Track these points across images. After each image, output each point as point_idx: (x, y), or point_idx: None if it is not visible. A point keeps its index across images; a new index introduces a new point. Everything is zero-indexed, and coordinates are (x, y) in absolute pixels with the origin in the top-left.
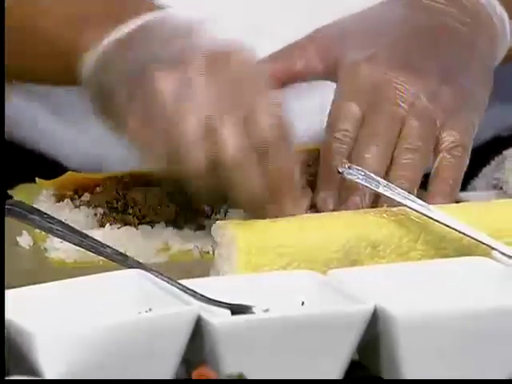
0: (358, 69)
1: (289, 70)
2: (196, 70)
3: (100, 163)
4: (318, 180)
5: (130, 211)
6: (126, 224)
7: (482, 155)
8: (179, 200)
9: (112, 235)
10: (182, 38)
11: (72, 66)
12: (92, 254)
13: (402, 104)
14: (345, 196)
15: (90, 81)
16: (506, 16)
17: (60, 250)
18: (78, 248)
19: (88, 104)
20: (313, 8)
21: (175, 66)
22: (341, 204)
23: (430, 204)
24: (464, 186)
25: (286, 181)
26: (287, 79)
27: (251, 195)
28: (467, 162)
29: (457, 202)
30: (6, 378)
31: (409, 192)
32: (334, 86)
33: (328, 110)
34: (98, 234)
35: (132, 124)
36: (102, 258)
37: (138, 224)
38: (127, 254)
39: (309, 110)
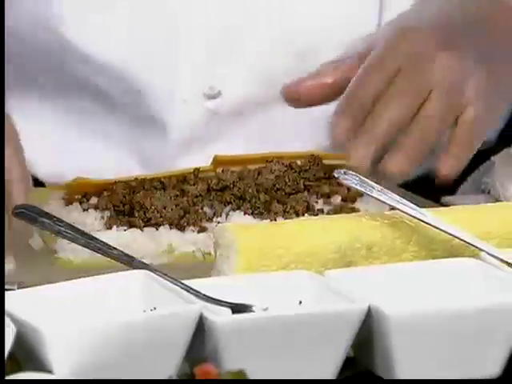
0: (400, 35)
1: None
2: None
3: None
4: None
5: (136, 214)
6: (131, 226)
7: (472, 160)
8: (183, 203)
9: (118, 237)
10: None
11: None
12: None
13: (430, 78)
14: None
15: None
16: None
17: (68, 250)
18: (85, 249)
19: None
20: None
21: None
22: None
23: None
24: (454, 190)
25: None
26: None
27: None
28: (483, 137)
29: (447, 205)
30: (7, 378)
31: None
32: None
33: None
34: (105, 236)
35: None
36: (108, 259)
37: (144, 226)
38: (133, 255)
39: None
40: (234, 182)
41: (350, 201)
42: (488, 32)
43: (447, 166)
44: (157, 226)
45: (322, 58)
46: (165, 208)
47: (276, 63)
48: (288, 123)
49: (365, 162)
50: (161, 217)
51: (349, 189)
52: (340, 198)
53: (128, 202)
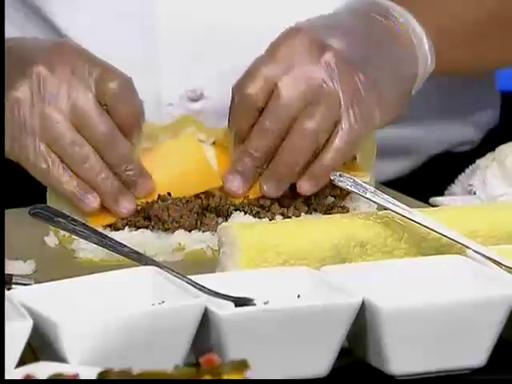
0: (288, 39)
1: None
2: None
3: None
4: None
5: (155, 228)
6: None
7: (459, 164)
8: (195, 208)
9: (131, 237)
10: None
11: None
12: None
13: (312, 84)
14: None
15: None
16: (424, 37)
17: (87, 250)
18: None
19: None
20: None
21: None
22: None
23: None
24: (442, 191)
25: None
26: None
27: None
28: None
29: (435, 205)
30: (6, 379)
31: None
32: None
33: None
34: (119, 236)
35: None
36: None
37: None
38: (146, 253)
39: None
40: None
41: (340, 199)
42: (362, 44)
43: (306, 187)
44: (172, 231)
45: None
46: (181, 217)
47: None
48: None
49: (239, 192)
50: (179, 226)
51: (340, 189)
52: (332, 199)
53: (145, 213)
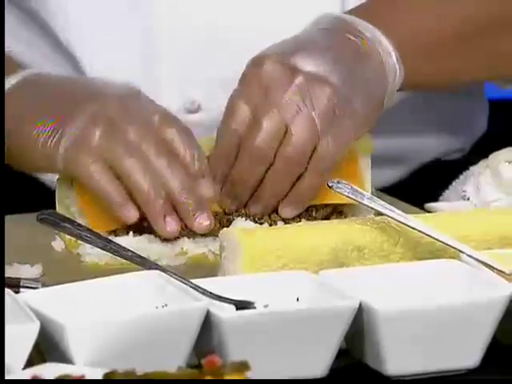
0: (258, 67)
1: None
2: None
3: None
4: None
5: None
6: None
7: (451, 171)
8: None
9: (135, 241)
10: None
11: None
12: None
13: (288, 109)
14: None
15: None
16: (392, 51)
17: (92, 254)
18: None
19: None
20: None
21: None
22: None
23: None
24: (436, 197)
25: None
26: None
27: None
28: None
29: (430, 211)
30: (7, 378)
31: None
32: None
33: None
34: (122, 241)
35: None
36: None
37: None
38: (150, 257)
39: None
40: None
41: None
42: (331, 63)
43: (288, 212)
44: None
45: None
46: (186, 225)
47: None
48: None
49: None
50: (184, 231)
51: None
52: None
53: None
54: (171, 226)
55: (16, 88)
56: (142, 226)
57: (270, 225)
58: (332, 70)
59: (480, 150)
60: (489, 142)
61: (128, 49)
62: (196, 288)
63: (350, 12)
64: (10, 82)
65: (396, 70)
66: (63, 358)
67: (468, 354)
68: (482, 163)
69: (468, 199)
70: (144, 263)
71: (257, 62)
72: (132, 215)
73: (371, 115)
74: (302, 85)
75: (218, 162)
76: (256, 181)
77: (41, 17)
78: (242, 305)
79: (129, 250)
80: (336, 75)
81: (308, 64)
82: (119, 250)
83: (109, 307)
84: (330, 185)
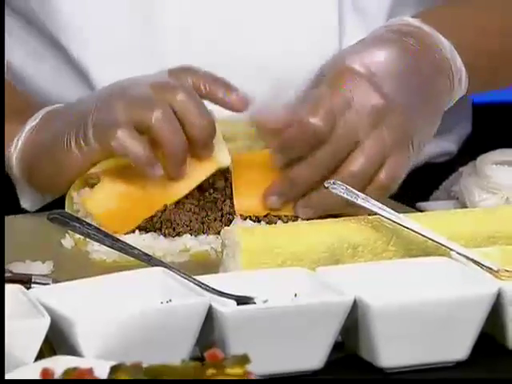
0: (346, 77)
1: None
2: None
3: None
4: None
5: (166, 231)
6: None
7: (440, 172)
8: (206, 217)
9: (141, 239)
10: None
11: None
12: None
13: (365, 128)
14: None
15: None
16: (463, 70)
17: (100, 251)
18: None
19: None
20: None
21: None
22: None
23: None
24: (427, 197)
25: None
26: None
27: None
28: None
29: (421, 210)
30: (6, 378)
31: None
32: None
33: None
34: (128, 239)
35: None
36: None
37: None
38: (154, 254)
39: None
40: None
41: None
42: (407, 85)
43: None
44: (181, 234)
45: (294, 86)
46: (191, 221)
47: (251, 88)
48: None
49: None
50: (190, 229)
51: None
52: None
53: (158, 218)
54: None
55: (41, 122)
56: (148, 225)
57: (269, 224)
58: (410, 96)
59: (466, 153)
60: (474, 145)
61: (136, 63)
62: (199, 284)
63: (419, 19)
64: (35, 119)
65: (462, 89)
66: (73, 351)
67: (457, 348)
68: (471, 165)
69: (457, 199)
70: (149, 260)
71: (345, 71)
72: (159, 173)
73: (432, 134)
74: (383, 109)
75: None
76: (312, 186)
77: (48, 29)
78: (242, 300)
79: (135, 247)
80: (413, 102)
81: (390, 86)
82: (126, 248)
83: (116, 302)
84: (325, 185)
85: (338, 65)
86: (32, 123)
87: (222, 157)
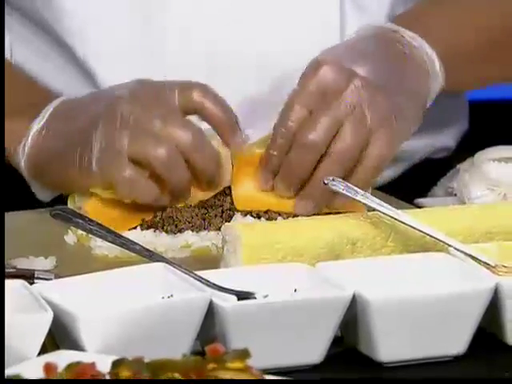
0: (317, 70)
1: None
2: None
3: None
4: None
5: (168, 228)
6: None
7: (438, 169)
8: (207, 214)
9: (143, 235)
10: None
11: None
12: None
13: (344, 108)
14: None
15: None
16: (435, 58)
17: (103, 247)
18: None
19: None
20: None
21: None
22: None
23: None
24: (425, 193)
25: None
26: None
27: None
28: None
29: (419, 206)
30: (10, 372)
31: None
32: None
33: None
34: (130, 235)
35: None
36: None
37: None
38: (156, 250)
39: None
40: None
41: None
42: (383, 69)
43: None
44: (183, 231)
45: (295, 85)
46: (192, 217)
47: (251, 88)
48: None
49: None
50: (192, 226)
51: None
52: None
53: (160, 215)
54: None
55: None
56: (150, 222)
57: (269, 220)
58: (385, 76)
59: (463, 149)
60: (471, 141)
61: (137, 63)
62: (200, 279)
63: (395, 21)
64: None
65: (438, 76)
66: (75, 345)
67: (455, 342)
68: (468, 161)
69: (455, 195)
70: (151, 256)
71: (315, 65)
72: (164, 204)
73: (418, 117)
74: (358, 88)
75: (272, 155)
76: (306, 173)
77: (53, 28)
78: (242, 295)
79: (136, 243)
80: (389, 81)
81: (363, 70)
82: (127, 244)
83: (118, 297)
84: (325, 182)
85: (311, 63)
86: (41, 122)
87: (226, 176)
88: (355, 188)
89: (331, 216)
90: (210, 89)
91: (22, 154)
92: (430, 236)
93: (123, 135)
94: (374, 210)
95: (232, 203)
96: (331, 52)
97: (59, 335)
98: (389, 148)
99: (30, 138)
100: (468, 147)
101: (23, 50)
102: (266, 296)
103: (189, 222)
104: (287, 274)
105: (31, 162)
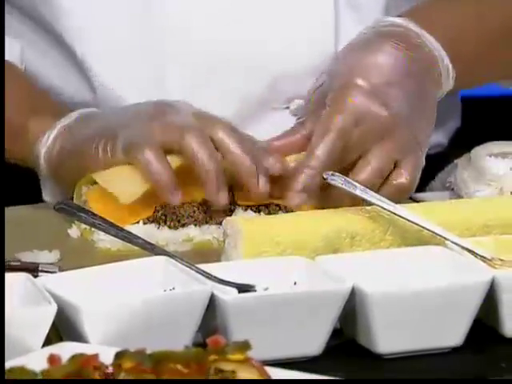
0: (346, 94)
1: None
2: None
3: None
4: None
5: (172, 224)
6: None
7: (433, 164)
8: (208, 208)
9: (145, 229)
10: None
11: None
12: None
13: (372, 138)
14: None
15: (49, 161)
16: (450, 66)
17: (106, 241)
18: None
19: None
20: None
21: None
22: None
23: None
24: (423, 187)
25: None
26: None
27: None
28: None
29: (417, 201)
30: (15, 364)
31: None
32: None
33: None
34: (132, 229)
35: None
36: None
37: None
38: (158, 243)
39: None
40: None
41: None
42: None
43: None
44: (186, 225)
45: (292, 84)
46: (194, 212)
47: (250, 89)
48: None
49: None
50: (194, 220)
51: None
52: None
53: (161, 209)
54: (223, 199)
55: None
56: (152, 217)
57: (269, 214)
58: (410, 105)
59: (457, 145)
60: (464, 137)
61: (137, 63)
62: (201, 272)
63: (405, 18)
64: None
65: (450, 82)
66: (79, 337)
67: (452, 334)
68: (466, 156)
69: (452, 190)
70: (153, 249)
71: (349, 87)
72: (177, 199)
73: (431, 128)
74: (388, 122)
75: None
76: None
77: (53, 29)
78: (243, 288)
79: (139, 237)
80: (413, 110)
81: (392, 97)
82: (130, 237)
83: (121, 290)
84: (324, 177)
85: (341, 80)
86: (65, 122)
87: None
88: (354, 182)
89: (330, 210)
90: (235, 129)
91: (42, 148)
92: (428, 230)
93: (156, 125)
94: (372, 204)
95: (233, 197)
96: (360, 71)
97: (63, 327)
98: (417, 172)
99: (53, 132)
100: (460, 142)
101: (24, 48)
102: (266, 289)
103: (191, 217)
104: (287, 267)
105: (51, 156)
